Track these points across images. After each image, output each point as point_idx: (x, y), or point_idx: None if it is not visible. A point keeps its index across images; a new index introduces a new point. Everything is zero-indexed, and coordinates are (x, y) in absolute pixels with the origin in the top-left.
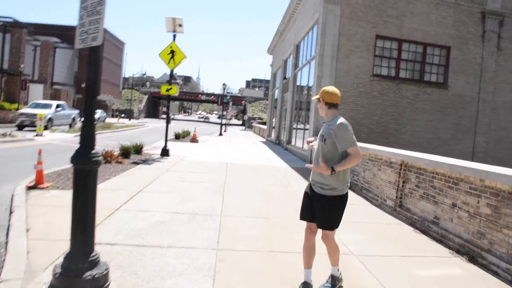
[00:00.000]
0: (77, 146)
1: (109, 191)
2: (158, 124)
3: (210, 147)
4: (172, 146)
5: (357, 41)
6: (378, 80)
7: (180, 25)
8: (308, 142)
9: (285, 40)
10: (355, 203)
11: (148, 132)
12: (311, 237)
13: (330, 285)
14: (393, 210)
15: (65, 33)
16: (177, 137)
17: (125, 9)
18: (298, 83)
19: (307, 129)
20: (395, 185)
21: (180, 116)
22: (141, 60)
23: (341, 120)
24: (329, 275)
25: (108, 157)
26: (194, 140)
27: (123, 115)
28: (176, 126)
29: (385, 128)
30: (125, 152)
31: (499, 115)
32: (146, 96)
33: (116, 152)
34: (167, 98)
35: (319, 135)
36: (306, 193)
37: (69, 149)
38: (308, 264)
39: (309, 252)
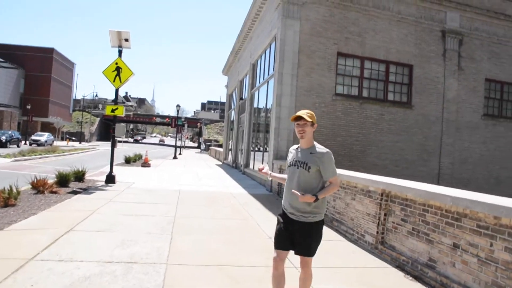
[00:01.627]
0: (11, 172)
1: (29, 232)
2: (110, 147)
3: (162, 172)
4: (120, 171)
5: (318, 58)
6: (341, 100)
7: (126, 40)
8: (260, 170)
9: (240, 60)
10: (327, 238)
11: (97, 155)
12: (280, 265)
13: None
14: (374, 248)
15: (9, 52)
16: (128, 161)
17: (76, 30)
18: (255, 103)
19: (266, 152)
20: (375, 218)
21: (136, 139)
22: (93, 81)
23: (324, 148)
24: None
25: (39, 187)
26: (145, 164)
27: (74, 138)
28: (129, 149)
29: (350, 150)
30: (63, 180)
31: (462, 135)
32: (98, 119)
33: (52, 179)
34: (113, 120)
35: (293, 162)
36: (280, 221)
37: None
38: None
39: (279, 281)
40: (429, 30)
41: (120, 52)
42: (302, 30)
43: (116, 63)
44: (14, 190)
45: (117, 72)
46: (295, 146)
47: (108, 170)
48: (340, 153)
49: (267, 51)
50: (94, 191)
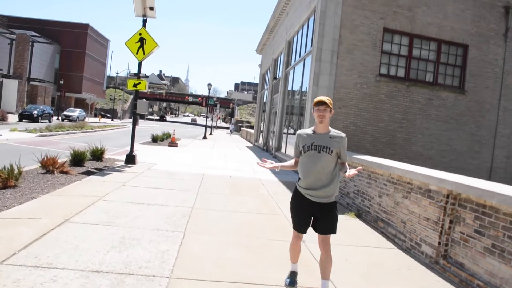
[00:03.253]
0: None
1: (15, 222)
2: (141, 125)
3: (188, 153)
4: (144, 150)
5: (362, 34)
6: (385, 81)
7: (151, 8)
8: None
9: (275, 37)
10: (372, 243)
11: (127, 133)
12: (299, 243)
13: None
14: (434, 262)
15: (44, 28)
16: (155, 140)
17: (112, 6)
18: (290, 84)
19: None
20: (437, 225)
21: (168, 118)
22: (127, 58)
23: (340, 132)
24: None
25: (49, 166)
26: (172, 144)
27: (108, 115)
28: (159, 128)
29: (392, 137)
30: (77, 159)
31: None
32: (132, 96)
33: (67, 157)
34: (134, 96)
35: (313, 146)
36: (301, 205)
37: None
38: (295, 260)
39: (296, 251)
40: (489, 5)
41: (144, 21)
42: (345, 2)
43: (140, 34)
44: (16, 170)
45: (141, 44)
46: (307, 130)
47: (134, 148)
48: (382, 140)
49: (305, 27)
50: (110, 173)
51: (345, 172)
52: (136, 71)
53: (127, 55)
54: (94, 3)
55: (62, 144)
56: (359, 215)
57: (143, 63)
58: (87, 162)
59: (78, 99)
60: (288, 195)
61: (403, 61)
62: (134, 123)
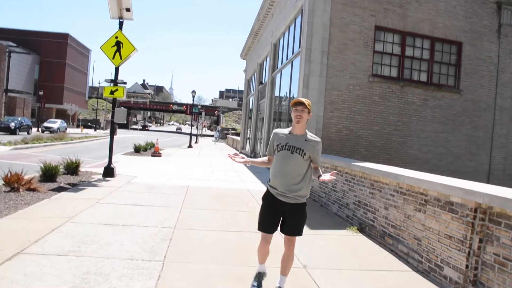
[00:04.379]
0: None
1: None
2: (124, 135)
3: (172, 163)
4: (126, 161)
5: (353, 33)
6: (379, 82)
7: (127, 9)
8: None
9: (260, 41)
10: (383, 266)
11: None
12: (266, 247)
13: None
14: None
15: (23, 38)
16: (137, 150)
17: (93, 15)
18: (277, 88)
19: None
20: (463, 244)
21: (152, 127)
22: (111, 68)
23: (316, 136)
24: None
25: (13, 183)
26: (156, 153)
27: (95, 126)
28: (144, 137)
29: (388, 141)
30: (48, 174)
31: None
32: (124, 108)
33: (35, 173)
34: (112, 104)
35: (286, 146)
36: (270, 205)
37: None
38: (263, 260)
39: (264, 253)
40: (481, 1)
41: (120, 24)
42: None
43: (116, 37)
44: None
45: (117, 48)
46: (284, 130)
47: (114, 159)
48: (377, 144)
49: (291, 28)
50: (84, 188)
51: (319, 176)
52: (113, 77)
53: (110, 64)
54: (74, 13)
55: (37, 157)
56: (362, 230)
57: (125, 71)
58: (60, 176)
59: (59, 110)
60: None
61: (396, 61)
62: (112, 133)
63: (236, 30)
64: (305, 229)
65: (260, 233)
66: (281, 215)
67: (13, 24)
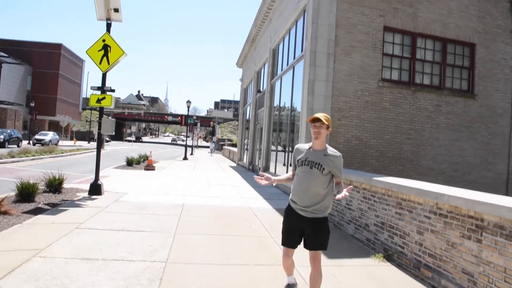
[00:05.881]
0: None
1: None
2: (119, 147)
3: (166, 177)
4: (117, 176)
5: (360, 34)
6: (389, 87)
7: (116, 10)
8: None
9: (257, 48)
10: None
11: (102, 156)
12: (289, 260)
13: None
14: None
15: (15, 48)
16: (130, 163)
17: (86, 26)
18: (276, 96)
19: (292, 152)
20: None
21: (147, 138)
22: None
23: (336, 151)
24: None
25: None
26: (149, 167)
27: (88, 138)
28: (138, 149)
29: (400, 150)
30: (25, 193)
31: None
32: (109, 117)
33: (12, 192)
34: (100, 114)
35: (306, 161)
36: (290, 219)
37: None
38: (289, 272)
39: (289, 266)
40: (495, 0)
41: (108, 26)
42: None
43: (104, 40)
44: None
45: (105, 52)
46: (305, 145)
47: (106, 173)
48: (388, 154)
49: (292, 31)
50: (66, 209)
51: (337, 193)
52: (100, 84)
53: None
54: (68, 23)
55: (22, 172)
56: (389, 258)
57: (119, 82)
58: (40, 195)
59: (52, 122)
60: None
61: (407, 64)
62: (99, 146)
63: (232, 41)
64: (324, 259)
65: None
66: (301, 230)
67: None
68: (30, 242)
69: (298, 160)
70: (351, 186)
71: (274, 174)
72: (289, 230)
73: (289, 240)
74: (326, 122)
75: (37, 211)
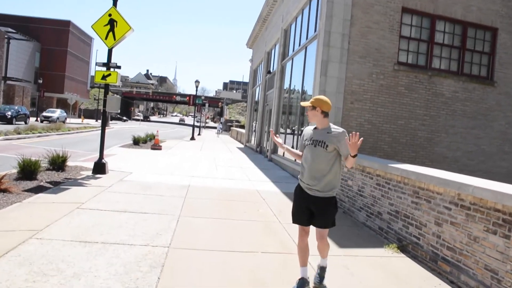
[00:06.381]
0: None
1: None
2: (126, 125)
3: (173, 157)
4: (123, 154)
5: (377, 15)
6: (405, 70)
7: None
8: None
9: (268, 28)
10: None
11: (108, 134)
12: (305, 238)
13: (318, 276)
14: None
15: (23, 25)
16: (136, 142)
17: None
18: (287, 77)
19: (301, 135)
20: None
21: (154, 118)
22: (114, 57)
23: (339, 128)
24: (318, 266)
25: None
26: (155, 146)
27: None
28: (147, 128)
29: (413, 137)
30: (27, 171)
31: None
32: (118, 96)
33: (13, 169)
34: (105, 91)
35: (311, 141)
36: (299, 197)
37: None
38: (303, 262)
39: (304, 251)
40: None
41: (115, 0)
42: None
43: (110, 15)
44: None
45: (111, 27)
46: (311, 126)
47: (112, 152)
48: (401, 140)
49: (305, 11)
50: (67, 188)
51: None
52: (106, 60)
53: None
54: (77, 1)
55: (28, 149)
56: (403, 249)
57: (128, 60)
58: (43, 173)
59: (60, 99)
60: None
61: (424, 47)
62: (104, 124)
63: (242, 21)
64: (334, 248)
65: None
66: (309, 208)
67: (12, 10)
68: (28, 222)
69: (305, 141)
70: (359, 140)
71: (282, 156)
72: (298, 208)
73: (300, 218)
74: (310, 104)
75: (38, 190)
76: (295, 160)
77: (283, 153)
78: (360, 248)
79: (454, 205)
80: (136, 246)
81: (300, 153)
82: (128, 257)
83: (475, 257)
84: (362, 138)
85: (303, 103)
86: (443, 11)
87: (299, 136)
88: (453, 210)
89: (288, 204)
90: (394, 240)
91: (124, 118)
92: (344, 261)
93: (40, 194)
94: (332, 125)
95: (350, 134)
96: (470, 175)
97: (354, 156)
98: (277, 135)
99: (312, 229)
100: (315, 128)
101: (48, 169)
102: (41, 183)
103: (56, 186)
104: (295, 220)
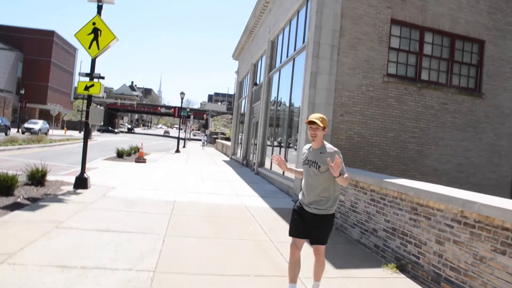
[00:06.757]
0: None
1: None
2: (110, 138)
3: (158, 170)
4: (106, 168)
5: (367, 26)
6: (394, 82)
7: None
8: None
9: (255, 39)
10: None
11: (92, 147)
12: (296, 252)
13: None
14: None
15: (4, 34)
16: (120, 155)
17: (80, 14)
18: (274, 89)
19: (290, 147)
20: None
21: (139, 130)
22: (98, 68)
23: (333, 147)
24: None
25: None
26: (140, 159)
27: (79, 127)
28: (131, 140)
29: (403, 149)
30: (3, 186)
31: None
32: (102, 107)
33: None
34: (87, 102)
35: (306, 161)
36: (297, 212)
37: None
38: (293, 279)
39: (295, 266)
40: None
41: (99, 8)
42: None
43: (94, 23)
44: None
45: (95, 36)
46: (307, 145)
47: (94, 165)
48: (391, 153)
49: (293, 22)
50: (46, 205)
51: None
52: (89, 71)
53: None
54: (61, 11)
55: (6, 162)
56: (402, 268)
57: (113, 72)
58: (21, 188)
59: (42, 110)
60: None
61: (413, 59)
62: (86, 136)
63: (227, 33)
64: (330, 268)
65: None
66: (305, 223)
67: None
68: (0, 244)
69: (303, 160)
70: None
71: (270, 170)
72: (296, 223)
73: (295, 231)
74: (321, 124)
75: (14, 207)
76: (283, 173)
77: (270, 166)
78: (357, 268)
79: (457, 222)
80: (119, 270)
81: (301, 171)
82: (110, 284)
83: (482, 278)
84: (340, 160)
85: (311, 121)
86: (431, 23)
87: (287, 149)
88: (456, 228)
89: (279, 221)
90: (392, 259)
91: (116, 130)
92: (342, 284)
93: (16, 212)
94: (327, 144)
95: (328, 159)
96: (461, 188)
97: (337, 177)
98: (279, 157)
99: (307, 246)
100: (310, 147)
101: (26, 184)
102: (18, 200)
103: (34, 203)
104: (293, 234)
